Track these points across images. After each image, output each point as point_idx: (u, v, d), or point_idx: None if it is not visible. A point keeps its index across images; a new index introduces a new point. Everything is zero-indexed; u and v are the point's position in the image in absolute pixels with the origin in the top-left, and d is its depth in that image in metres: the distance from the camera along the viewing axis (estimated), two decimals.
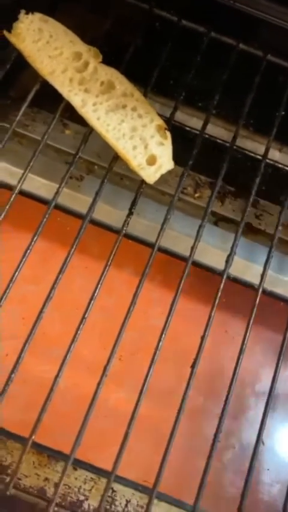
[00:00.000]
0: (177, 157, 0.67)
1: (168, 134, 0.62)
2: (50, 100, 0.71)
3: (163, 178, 0.81)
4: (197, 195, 0.83)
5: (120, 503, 0.63)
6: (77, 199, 0.79)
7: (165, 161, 0.61)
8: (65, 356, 0.54)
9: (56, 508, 0.49)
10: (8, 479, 0.53)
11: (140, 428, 0.61)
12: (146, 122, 0.62)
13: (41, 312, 0.56)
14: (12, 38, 0.66)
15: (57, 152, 0.82)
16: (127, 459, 0.65)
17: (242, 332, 0.61)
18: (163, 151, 0.61)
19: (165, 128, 0.62)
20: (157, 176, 0.61)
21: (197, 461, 0.58)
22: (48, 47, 0.65)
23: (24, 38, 0.65)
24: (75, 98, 0.63)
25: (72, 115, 0.85)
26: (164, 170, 0.61)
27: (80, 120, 0.84)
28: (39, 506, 0.51)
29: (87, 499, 0.61)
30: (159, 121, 0.63)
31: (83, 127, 0.84)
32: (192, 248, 0.63)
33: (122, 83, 0.64)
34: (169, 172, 0.82)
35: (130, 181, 0.82)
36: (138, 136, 0.62)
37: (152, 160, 0.61)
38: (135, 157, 0.61)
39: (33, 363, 0.68)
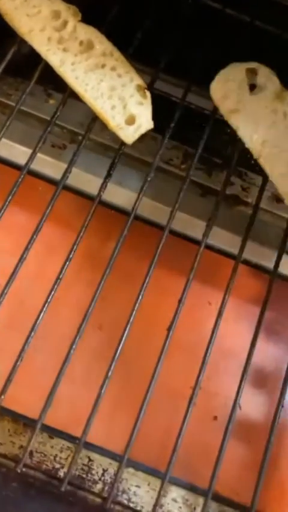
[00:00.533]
0: (161, 129, 0.65)
1: (147, 93, 0.61)
2: (33, 70, 0.70)
3: (148, 149, 0.80)
4: (183, 166, 0.82)
5: (97, 472, 0.62)
6: (59, 168, 0.77)
7: (145, 121, 0.59)
8: (35, 322, 0.52)
9: (24, 469, 0.48)
10: None
11: (124, 402, 0.60)
12: (126, 81, 0.61)
13: (9, 279, 0.54)
14: None
15: (40, 122, 0.81)
16: (109, 431, 0.64)
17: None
18: (142, 110, 0.60)
19: (145, 88, 0.61)
20: (136, 136, 0.60)
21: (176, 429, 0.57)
22: (26, 5, 0.63)
23: None
24: (54, 57, 0.62)
25: (56, 86, 0.84)
26: (143, 130, 0.60)
27: (64, 90, 0.84)
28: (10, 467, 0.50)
29: (62, 467, 0.60)
30: (138, 81, 0.61)
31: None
32: (169, 217, 0.61)
33: (101, 43, 0.62)
34: (154, 143, 0.81)
35: (114, 152, 0.81)
36: (117, 95, 0.60)
37: (131, 120, 0.60)
38: (113, 117, 0.60)
39: (10, 336, 0.66)
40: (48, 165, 0.77)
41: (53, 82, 0.78)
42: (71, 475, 0.49)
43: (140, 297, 0.55)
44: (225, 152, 0.88)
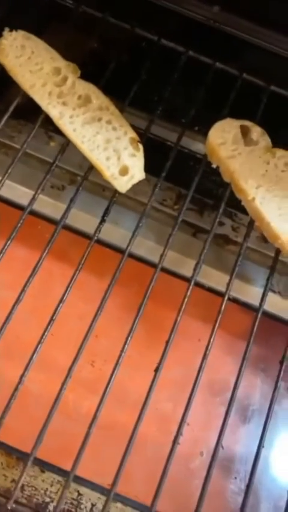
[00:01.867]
0: (156, 171, 0.69)
1: (140, 146, 0.65)
2: (35, 113, 0.75)
3: (142, 190, 0.84)
4: (176, 207, 0.86)
5: (86, 507, 0.64)
6: (57, 208, 0.82)
7: (137, 172, 0.64)
8: (31, 357, 0.55)
9: (14, 505, 0.50)
10: None
11: (112, 435, 0.62)
12: (120, 134, 0.65)
13: (9, 313, 0.58)
14: None
15: (41, 163, 0.85)
16: (98, 465, 0.66)
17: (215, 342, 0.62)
18: (135, 162, 0.64)
19: (138, 141, 0.65)
20: (129, 186, 0.64)
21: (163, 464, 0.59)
22: (30, 63, 0.68)
23: (8, 54, 0.68)
24: (53, 110, 0.66)
25: (56, 128, 0.88)
26: (135, 180, 0.64)
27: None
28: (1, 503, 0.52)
29: (52, 501, 0.62)
30: (132, 134, 0.65)
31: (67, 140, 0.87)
32: (161, 256, 0.64)
33: (98, 97, 0.67)
34: (149, 184, 0.85)
35: (112, 192, 0.85)
36: (111, 147, 0.64)
37: (124, 171, 0.64)
38: (108, 168, 0.64)
39: (6, 366, 0.69)
40: (48, 205, 0.81)
41: (53, 124, 0.83)
42: (60, 510, 0.51)
43: (131, 333, 0.58)
44: (216, 192, 0.92)
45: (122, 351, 0.57)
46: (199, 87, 0.75)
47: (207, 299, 0.81)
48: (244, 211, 0.86)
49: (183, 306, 0.62)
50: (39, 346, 0.57)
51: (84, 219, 0.81)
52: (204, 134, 0.88)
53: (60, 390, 0.54)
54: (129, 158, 0.64)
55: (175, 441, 0.54)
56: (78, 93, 0.67)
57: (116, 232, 0.81)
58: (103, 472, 0.67)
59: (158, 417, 0.71)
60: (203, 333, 0.80)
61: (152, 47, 0.77)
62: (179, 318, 0.61)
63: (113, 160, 0.64)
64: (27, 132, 0.87)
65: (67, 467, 0.66)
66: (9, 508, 0.50)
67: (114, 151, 0.64)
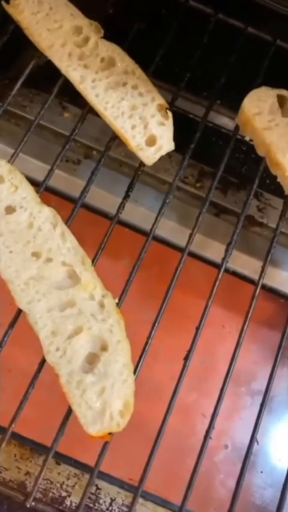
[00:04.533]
0: (179, 146, 0.64)
1: (169, 114, 0.59)
2: (49, 82, 0.69)
3: (163, 167, 0.79)
4: (198, 185, 0.81)
5: (105, 502, 0.60)
6: (72, 183, 0.76)
7: (166, 142, 0.58)
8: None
9: (33, 503, 0.46)
10: None
11: (130, 425, 0.58)
12: (147, 101, 0.59)
13: None
14: (10, 8, 0.63)
15: (55, 135, 0.80)
16: (114, 456, 0.61)
17: (239, 328, 0.57)
18: (164, 131, 0.58)
19: (167, 108, 0.59)
20: (156, 157, 0.58)
21: (187, 460, 0.55)
22: (48, 20, 0.62)
23: (23, 10, 0.62)
24: (74, 73, 0.60)
25: (71, 98, 0.82)
26: (163, 152, 0.58)
27: (79, 103, 0.82)
28: (18, 500, 0.48)
29: (69, 496, 0.58)
30: (160, 100, 0.60)
31: (82, 110, 0.81)
32: (189, 238, 0.59)
33: (123, 60, 0.61)
34: (170, 161, 0.79)
35: (129, 168, 0.79)
36: (137, 115, 0.59)
37: (151, 141, 0.58)
38: (133, 137, 0.58)
39: (20, 353, 0.65)
40: (63, 180, 0.75)
41: (68, 94, 0.77)
42: (76, 504, 0.47)
43: (158, 318, 0.53)
44: (240, 171, 0.87)
45: (148, 337, 0.52)
46: (228, 54, 0.69)
47: (229, 283, 0.76)
48: (270, 190, 0.81)
49: (213, 293, 0.57)
50: None
51: (101, 196, 0.76)
52: (231, 107, 0.83)
53: None
54: (157, 127, 0.58)
55: (207, 436, 0.50)
56: (101, 55, 0.61)
57: (136, 212, 0.76)
58: (121, 465, 0.63)
59: (179, 407, 0.67)
60: (225, 319, 0.75)
61: (179, 9, 0.70)
62: (209, 303, 0.56)
63: (139, 129, 0.58)
64: (40, 102, 0.82)
65: (83, 459, 0.62)
66: (28, 506, 0.46)
67: (140, 118, 0.58)
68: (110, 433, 0.46)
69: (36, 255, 0.51)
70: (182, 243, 0.73)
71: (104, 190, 0.75)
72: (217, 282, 0.57)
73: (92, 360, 0.48)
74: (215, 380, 0.63)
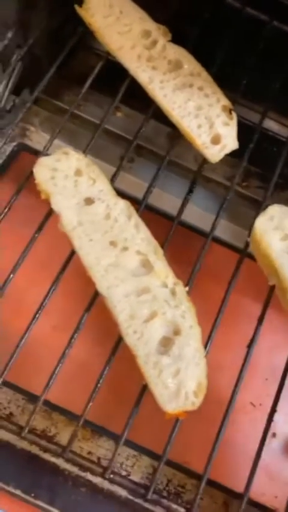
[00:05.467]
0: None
1: (234, 114, 0.62)
2: (102, 81, 0.72)
3: (212, 167, 0.82)
4: (244, 184, 0.83)
5: (162, 482, 0.62)
6: (129, 181, 0.79)
7: (231, 141, 0.61)
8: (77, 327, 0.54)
9: (111, 475, 0.49)
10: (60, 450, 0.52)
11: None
12: (213, 101, 0.62)
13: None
14: (81, 11, 0.66)
15: (107, 134, 0.82)
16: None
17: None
18: (229, 131, 0.61)
19: (231, 109, 0.62)
20: (221, 155, 0.61)
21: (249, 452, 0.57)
22: (118, 23, 0.65)
23: (94, 13, 0.66)
24: (143, 74, 0.63)
25: (123, 98, 0.86)
26: (228, 150, 0.61)
27: (130, 104, 0.85)
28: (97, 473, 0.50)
29: (129, 475, 0.61)
30: (225, 102, 0.63)
31: (133, 111, 0.84)
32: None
33: (190, 63, 0.64)
34: (220, 162, 0.82)
35: (178, 168, 0.82)
36: (203, 115, 0.62)
37: (216, 140, 0.61)
38: (199, 136, 0.61)
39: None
40: (120, 179, 0.78)
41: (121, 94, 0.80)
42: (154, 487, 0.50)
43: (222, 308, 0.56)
44: (286, 172, 0.90)
45: (214, 324, 0.55)
46: (282, 61, 0.72)
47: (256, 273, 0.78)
48: None
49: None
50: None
51: (159, 196, 0.78)
52: (281, 113, 0.85)
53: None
54: (222, 126, 0.61)
55: (266, 431, 0.53)
56: (169, 57, 0.64)
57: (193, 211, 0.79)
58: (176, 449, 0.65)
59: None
60: (255, 310, 0.77)
61: (236, 17, 0.74)
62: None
63: (205, 128, 0.61)
64: (94, 101, 0.85)
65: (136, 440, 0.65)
66: (106, 477, 0.49)
67: (206, 118, 0.61)
68: (185, 412, 0.49)
69: (113, 244, 0.54)
70: (238, 243, 0.76)
71: (158, 189, 0.78)
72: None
73: (165, 343, 0.51)
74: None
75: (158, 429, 0.52)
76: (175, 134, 0.66)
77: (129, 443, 0.64)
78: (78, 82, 0.73)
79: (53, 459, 0.57)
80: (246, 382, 0.69)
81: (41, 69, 0.71)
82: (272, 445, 0.69)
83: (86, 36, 0.74)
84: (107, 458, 0.62)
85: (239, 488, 0.56)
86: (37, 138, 0.83)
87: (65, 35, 0.74)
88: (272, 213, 0.57)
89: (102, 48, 0.69)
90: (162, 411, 0.49)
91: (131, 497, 0.59)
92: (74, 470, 0.59)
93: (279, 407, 0.69)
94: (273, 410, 0.54)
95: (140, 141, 0.82)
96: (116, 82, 0.69)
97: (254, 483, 0.65)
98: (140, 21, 0.66)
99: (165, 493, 0.61)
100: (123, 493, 0.59)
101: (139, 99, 0.68)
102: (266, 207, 0.81)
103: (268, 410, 0.55)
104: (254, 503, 0.64)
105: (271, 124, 0.82)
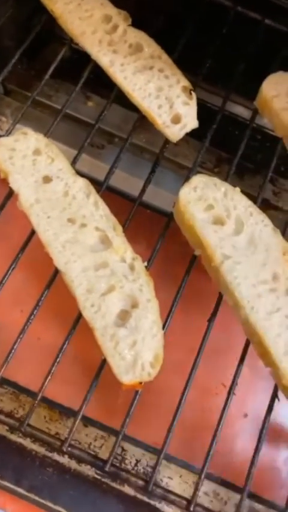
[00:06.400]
0: (197, 134, 0.67)
1: (193, 94, 0.63)
2: (73, 72, 0.73)
3: (183, 152, 0.82)
4: (216, 170, 0.84)
5: (130, 462, 0.62)
6: (97, 167, 0.80)
7: (190, 120, 0.62)
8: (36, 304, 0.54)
9: (69, 448, 0.49)
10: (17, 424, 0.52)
11: (154, 393, 0.60)
12: (173, 83, 0.63)
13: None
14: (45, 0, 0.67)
15: (79, 123, 0.84)
16: (139, 423, 0.64)
17: None
18: (188, 110, 0.62)
19: (191, 89, 0.63)
20: (181, 134, 0.62)
21: (208, 428, 0.57)
22: (79, 9, 0.66)
23: (57, 0, 0.67)
24: (104, 58, 0.64)
25: (94, 88, 0.87)
26: (188, 129, 0.62)
27: (102, 93, 0.86)
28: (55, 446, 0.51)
29: (97, 455, 0.61)
30: (185, 82, 0.64)
31: (104, 100, 0.85)
32: None
33: (150, 46, 0.65)
34: (188, 147, 0.83)
35: (150, 154, 0.83)
36: (164, 95, 0.63)
37: (176, 119, 0.62)
38: (160, 116, 0.62)
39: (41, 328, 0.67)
40: (88, 164, 0.79)
41: (91, 85, 0.81)
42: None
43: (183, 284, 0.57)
44: (255, 158, 0.91)
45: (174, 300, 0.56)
46: (245, 46, 0.73)
47: None
48: (284, 176, 0.85)
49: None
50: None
51: (124, 179, 0.79)
52: (247, 97, 0.86)
53: None
54: (182, 106, 0.62)
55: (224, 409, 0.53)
56: (130, 41, 0.65)
57: (156, 194, 0.80)
58: (145, 431, 0.66)
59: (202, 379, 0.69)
60: None
61: (199, 3, 0.75)
62: None
63: (165, 108, 0.62)
64: (64, 91, 0.86)
65: (108, 422, 0.65)
66: (64, 450, 0.49)
67: (166, 99, 0.62)
68: (140, 383, 0.50)
69: (71, 220, 0.55)
70: None
71: (126, 173, 0.79)
72: None
73: (123, 317, 0.52)
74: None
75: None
76: (145, 122, 0.67)
77: (97, 424, 0.64)
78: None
79: (20, 440, 0.57)
80: (219, 363, 0.70)
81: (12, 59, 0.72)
82: (244, 425, 0.69)
83: (55, 28, 0.76)
84: (74, 439, 0.62)
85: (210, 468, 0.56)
86: (8, 127, 0.84)
87: (35, 25, 0.75)
88: (195, 183, 0.58)
89: (67, 36, 0.71)
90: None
91: (98, 476, 0.59)
92: (41, 450, 0.59)
93: (250, 389, 0.70)
94: (230, 392, 0.54)
95: (111, 128, 0.84)
96: (83, 70, 0.70)
97: (225, 463, 0.66)
98: (100, 6, 0.67)
99: (133, 472, 0.61)
100: (90, 472, 0.59)
101: (110, 89, 0.69)
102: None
103: (238, 391, 0.56)
104: (224, 482, 0.64)
105: (237, 109, 0.83)
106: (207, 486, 0.63)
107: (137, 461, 0.63)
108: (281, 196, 0.84)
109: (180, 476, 0.63)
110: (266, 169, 0.67)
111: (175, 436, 0.53)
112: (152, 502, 0.58)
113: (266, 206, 0.82)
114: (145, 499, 0.58)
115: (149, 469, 0.62)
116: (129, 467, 0.62)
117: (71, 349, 0.53)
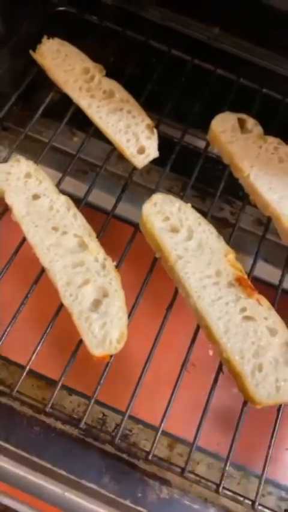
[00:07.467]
0: (162, 163, 0.82)
1: (155, 130, 0.79)
2: (59, 112, 0.88)
3: (153, 180, 0.97)
4: (181, 194, 0.99)
5: (110, 426, 0.73)
6: (80, 187, 0.94)
7: (152, 151, 0.77)
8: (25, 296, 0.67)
9: (51, 410, 0.61)
10: (8, 390, 0.64)
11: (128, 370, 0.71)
12: (138, 121, 0.79)
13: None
14: (36, 56, 0.84)
15: (65, 155, 0.98)
16: (120, 397, 0.73)
17: None
18: (151, 143, 0.78)
19: (153, 127, 0.79)
20: (145, 162, 0.77)
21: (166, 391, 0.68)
22: (64, 63, 0.82)
23: (46, 56, 0.83)
24: (83, 101, 0.80)
25: (79, 126, 1.02)
26: (151, 158, 0.77)
27: (86, 130, 1.02)
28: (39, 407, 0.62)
29: (80, 419, 0.71)
30: (148, 121, 0.79)
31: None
32: None
33: (120, 92, 0.81)
34: (158, 175, 0.98)
35: (124, 179, 0.97)
36: (131, 131, 0.78)
37: (141, 150, 0.77)
38: (128, 148, 0.77)
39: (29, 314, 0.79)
40: (73, 185, 0.94)
41: (76, 123, 0.97)
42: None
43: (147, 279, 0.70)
44: (216, 184, 1.06)
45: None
46: (201, 90, 0.90)
47: None
48: (240, 198, 1.00)
49: None
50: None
51: (100, 197, 0.93)
52: (205, 133, 1.02)
53: None
54: (146, 140, 0.78)
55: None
56: (104, 88, 0.81)
57: (130, 210, 0.93)
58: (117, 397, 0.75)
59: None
60: None
61: (163, 56, 0.92)
62: None
63: (132, 142, 0.77)
64: (54, 129, 1.01)
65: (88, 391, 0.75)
66: (46, 410, 0.61)
67: (133, 134, 0.78)
68: (110, 356, 0.62)
69: (55, 229, 0.69)
70: None
71: (104, 192, 0.93)
72: None
73: (96, 304, 0.65)
74: None
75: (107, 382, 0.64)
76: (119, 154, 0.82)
77: (79, 393, 0.75)
78: (41, 113, 0.89)
79: (10, 402, 0.69)
80: (174, 343, 0.81)
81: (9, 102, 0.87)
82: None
83: (45, 77, 0.92)
84: (58, 403, 0.73)
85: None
86: (5, 156, 0.99)
87: (28, 75, 0.91)
88: (155, 200, 0.73)
89: (54, 84, 0.87)
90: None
91: (81, 436, 0.70)
92: (29, 412, 0.70)
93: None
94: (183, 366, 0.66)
95: (92, 158, 0.99)
96: (67, 111, 0.86)
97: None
98: (81, 61, 0.83)
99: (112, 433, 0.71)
100: (74, 432, 0.70)
101: (90, 126, 0.85)
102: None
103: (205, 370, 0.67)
104: (198, 448, 0.75)
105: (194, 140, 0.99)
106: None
107: (117, 425, 0.73)
108: (237, 215, 0.98)
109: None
110: (216, 190, 0.82)
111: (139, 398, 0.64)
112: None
113: (224, 224, 0.96)
114: (125, 456, 0.68)
115: (126, 431, 0.73)
116: (109, 429, 0.73)
117: (55, 331, 0.66)
